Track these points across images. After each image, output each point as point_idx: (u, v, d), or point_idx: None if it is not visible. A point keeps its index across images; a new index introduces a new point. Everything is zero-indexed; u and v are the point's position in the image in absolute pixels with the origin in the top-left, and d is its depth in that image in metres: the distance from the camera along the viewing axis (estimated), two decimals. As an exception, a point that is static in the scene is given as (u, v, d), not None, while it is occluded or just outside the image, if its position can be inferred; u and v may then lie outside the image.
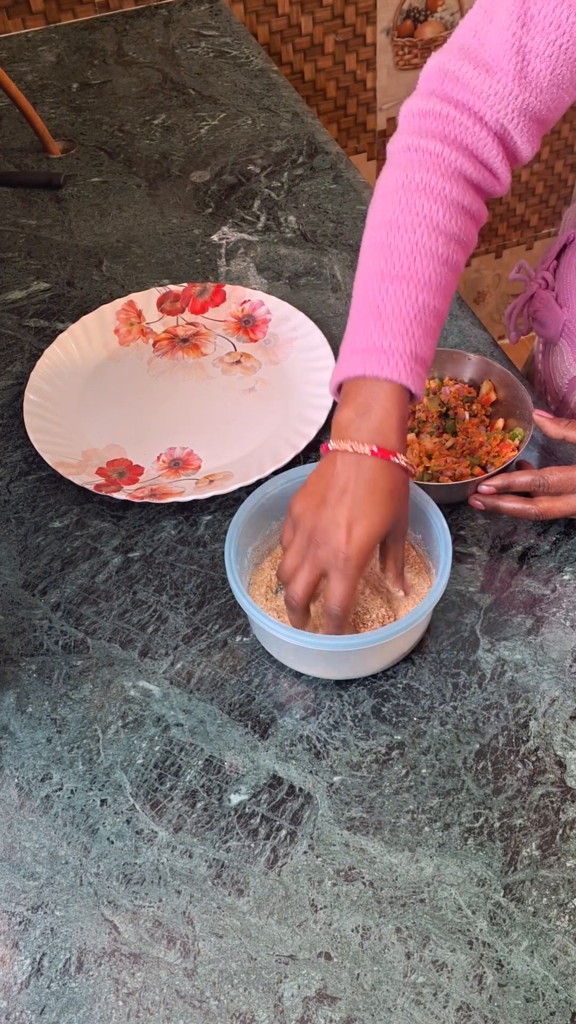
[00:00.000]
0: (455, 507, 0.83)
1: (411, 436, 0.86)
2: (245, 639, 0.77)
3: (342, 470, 0.68)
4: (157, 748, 0.71)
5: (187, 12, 1.45)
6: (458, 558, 0.80)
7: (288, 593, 0.70)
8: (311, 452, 0.89)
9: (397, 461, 0.68)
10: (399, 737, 0.70)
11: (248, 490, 0.83)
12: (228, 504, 0.85)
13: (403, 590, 0.74)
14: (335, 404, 0.88)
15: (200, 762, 0.70)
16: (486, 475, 0.79)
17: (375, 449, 0.68)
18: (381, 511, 0.68)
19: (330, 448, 0.70)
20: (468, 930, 0.62)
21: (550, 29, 0.67)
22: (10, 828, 0.68)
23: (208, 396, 0.95)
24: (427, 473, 0.83)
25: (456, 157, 0.72)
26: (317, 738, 0.71)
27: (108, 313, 1.00)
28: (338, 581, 0.67)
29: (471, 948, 0.61)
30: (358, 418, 0.69)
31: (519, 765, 0.69)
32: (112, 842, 0.67)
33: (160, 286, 1.04)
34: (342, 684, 0.73)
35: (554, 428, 0.80)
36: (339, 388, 0.73)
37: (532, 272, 0.96)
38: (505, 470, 0.80)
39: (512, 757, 0.69)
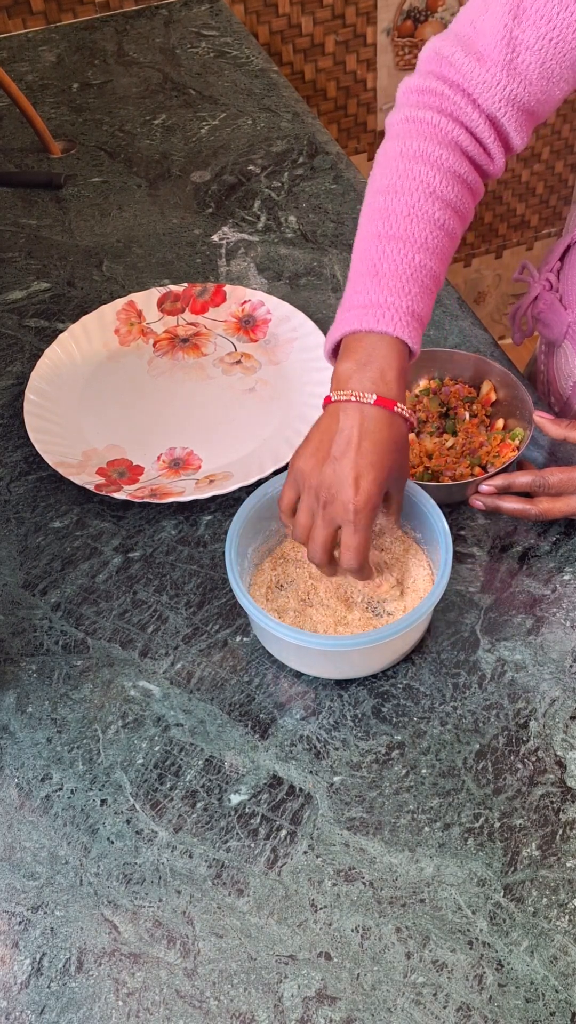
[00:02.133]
0: (455, 507, 0.83)
1: (411, 436, 0.86)
2: (245, 639, 0.77)
3: (345, 422, 0.69)
4: (157, 748, 0.71)
5: (187, 12, 1.45)
6: (458, 558, 0.80)
7: (309, 554, 0.71)
8: (311, 452, 0.89)
9: (398, 410, 0.69)
10: (399, 737, 0.70)
11: (248, 490, 0.83)
12: (228, 504, 0.85)
13: (399, 527, 0.77)
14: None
15: (200, 762, 0.70)
16: (486, 475, 0.79)
17: (378, 398, 0.68)
18: (385, 462, 0.69)
19: (332, 399, 0.70)
20: (468, 930, 0.62)
21: (541, 23, 0.68)
22: (10, 828, 0.68)
23: (208, 396, 0.95)
24: (427, 473, 0.83)
25: (452, 127, 0.74)
26: (317, 738, 0.71)
27: (108, 313, 1.00)
28: (351, 535, 0.68)
29: (471, 948, 0.61)
30: (359, 370, 0.70)
31: (519, 765, 0.69)
32: (112, 842, 0.67)
33: (160, 286, 1.04)
34: (342, 684, 0.73)
35: (555, 429, 0.80)
36: (335, 350, 0.74)
37: (535, 273, 0.96)
38: (505, 470, 0.80)
39: (512, 757, 0.69)
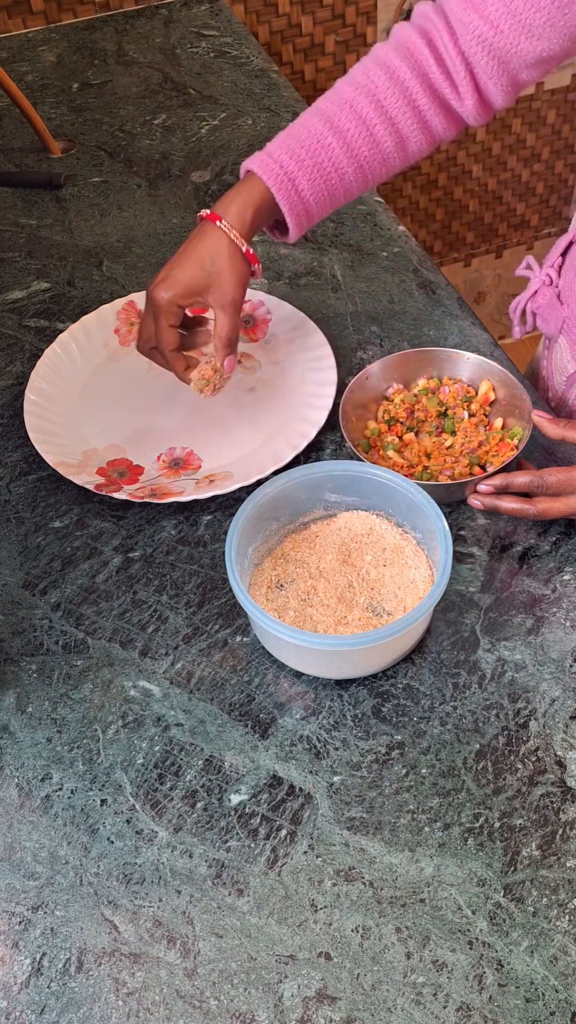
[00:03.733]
0: (455, 507, 0.83)
1: (410, 435, 0.86)
2: (245, 639, 0.77)
3: (193, 232, 0.82)
4: (157, 748, 0.71)
5: (187, 12, 1.45)
6: (458, 558, 0.80)
7: (136, 344, 0.85)
8: (311, 452, 0.89)
9: (220, 225, 0.79)
10: (399, 737, 0.70)
11: (248, 490, 0.83)
12: (228, 504, 0.85)
13: (226, 365, 0.83)
14: (336, 403, 0.88)
15: (200, 762, 0.70)
16: (485, 475, 0.79)
17: (207, 213, 0.80)
18: (192, 266, 0.80)
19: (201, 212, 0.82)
20: (468, 930, 0.62)
21: None
22: (10, 828, 0.68)
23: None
24: (426, 472, 0.83)
25: (427, 54, 0.79)
26: (317, 738, 0.71)
27: (108, 313, 1.00)
28: (152, 319, 0.81)
29: (471, 948, 0.61)
30: (229, 198, 0.81)
31: (519, 765, 0.69)
32: (112, 842, 0.67)
33: (160, 286, 1.04)
34: (342, 684, 0.73)
35: (553, 428, 0.80)
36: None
37: (536, 268, 0.96)
38: (504, 470, 0.80)
39: (512, 757, 0.69)
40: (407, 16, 1.62)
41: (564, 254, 0.94)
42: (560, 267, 0.94)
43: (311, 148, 0.80)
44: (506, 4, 0.73)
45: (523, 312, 0.97)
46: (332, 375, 0.92)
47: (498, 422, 0.87)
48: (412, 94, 0.79)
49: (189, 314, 0.86)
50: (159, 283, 0.80)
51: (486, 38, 0.75)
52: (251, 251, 0.81)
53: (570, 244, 0.93)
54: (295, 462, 0.86)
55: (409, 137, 0.81)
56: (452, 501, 0.82)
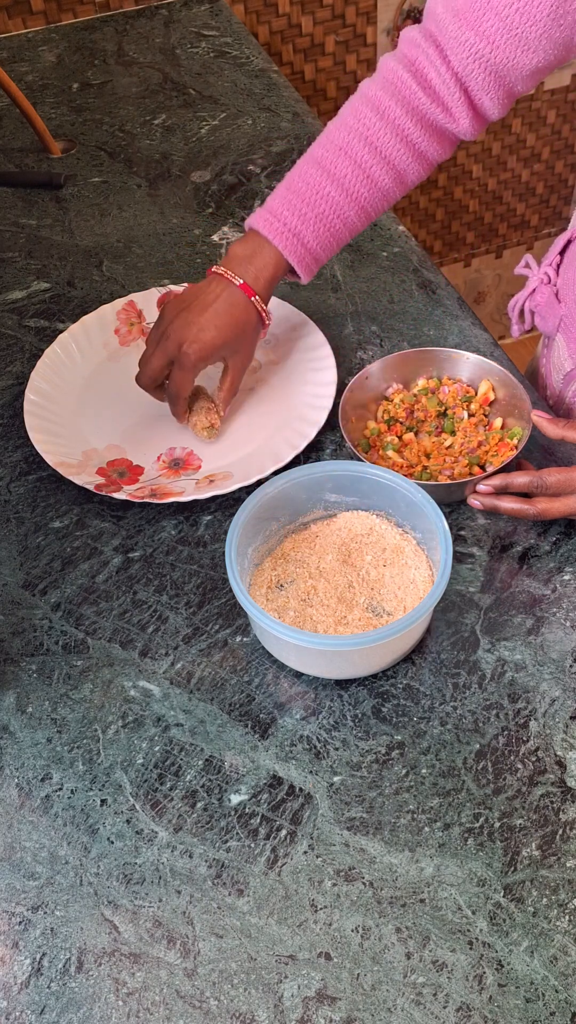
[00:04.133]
0: (455, 507, 0.83)
1: (410, 435, 0.86)
2: (245, 639, 0.77)
3: (213, 290, 0.84)
4: (157, 748, 0.71)
5: (187, 12, 1.45)
6: (458, 558, 0.80)
7: (138, 375, 0.88)
8: (311, 452, 0.89)
9: (255, 303, 0.85)
10: (399, 737, 0.70)
11: (248, 490, 0.83)
12: (228, 504, 0.85)
13: (222, 415, 0.90)
14: (336, 403, 0.88)
15: (200, 762, 0.70)
16: (485, 475, 0.79)
17: (243, 284, 0.84)
18: (225, 332, 0.84)
19: (212, 270, 0.85)
20: (468, 930, 0.62)
21: None
22: (10, 828, 0.68)
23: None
24: (425, 472, 0.83)
25: (415, 87, 0.80)
26: (317, 738, 0.71)
27: (108, 313, 1.00)
28: (177, 371, 0.85)
29: (471, 948, 0.61)
30: (244, 259, 0.84)
31: (519, 765, 0.69)
32: (112, 842, 0.67)
33: (160, 286, 1.04)
34: (342, 684, 0.73)
35: (552, 428, 0.80)
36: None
37: (535, 266, 0.96)
38: (504, 469, 0.80)
39: (512, 757, 0.69)
40: (407, 16, 1.63)
41: (562, 252, 0.94)
42: (559, 265, 0.94)
43: (311, 200, 0.82)
44: (503, 20, 0.73)
45: (521, 311, 0.97)
46: (332, 375, 0.92)
47: (497, 422, 0.87)
48: (404, 130, 0.81)
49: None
50: (192, 343, 0.83)
51: (483, 55, 0.75)
52: (268, 317, 0.88)
53: (568, 242, 0.93)
54: (295, 462, 0.86)
55: (407, 170, 0.84)
56: (452, 501, 0.82)
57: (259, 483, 0.82)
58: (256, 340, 0.89)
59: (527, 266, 0.98)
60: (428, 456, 0.85)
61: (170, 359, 0.85)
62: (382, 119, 0.80)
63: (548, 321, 0.94)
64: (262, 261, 0.84)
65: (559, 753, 0.69)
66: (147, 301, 1.01)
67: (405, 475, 0.81)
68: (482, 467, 0.83)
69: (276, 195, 0.84)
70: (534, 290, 0.95)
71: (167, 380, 0.87)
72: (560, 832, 0.65)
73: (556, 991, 0.59)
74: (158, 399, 0.90)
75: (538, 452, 0.87)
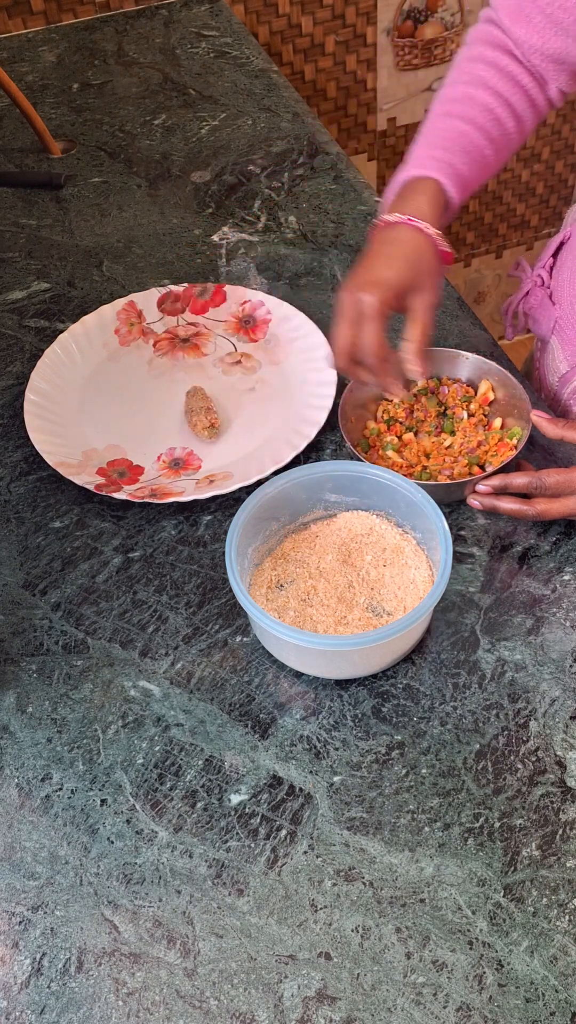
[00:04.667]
0: (455, 507, 0.83)
1: (409, 435, 0.86)
2: (245, 639, 0.77)
3: (377, 237, 0.81)
4: (157, 748, 0.71)
5: (187, 12, 1.45)
6: (458, 558, 0.80)
7: (335, 358, 0.80)
8: (311, 452, 0.89)
9: (423, 228, 0.79)
10: (399, 737, 0.70)
11: (248, 490, 0.83)
12: (228, 504, 0.85)
13: (420, 370, 0.79)
14: (336, 404, 0.88)
15: (200, 762, 0.70)
16: (485, 474, 0.79)
17: (407, 219, 0.79)
18: (398, 266, 0.77)
19: (373, 224, 0.82)
20: (468, 930, 0.62)
21: None
22: (10, 828, 0.68)
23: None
24: (425, 472, 0.83)
25: (505, 54, 0.85)
26: (317, 738, 0.71)
27: (108, 313, 1.00)
28: (365, 322, 0.76)
29: (471, 948, 0.61)
30: (399, 202, 0.81)
31: (519, 765, 0.69)
32: (112, 842, 0.67)
33: (160, 286, 1.04)
34: (342, 684, 0.73)
35: (552, 428, 0.80)
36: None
37: (528, 269, 0.96)
38: (504, 469, 0.80)
39: (512, 757, 0.69)
40: (407, 16, 1.63)
41: (556, 255, 0.94)
42: (551, 268, 0.94)
43: (452, 139, 0.83)
44: (547, 16, 0.80)
45: (515, 313, 0.98)
46: (332, 375, 0.92)
47: (497, 422, 0.87)
48: (517, 76, 0.85)
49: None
50: (363, 285, 0.75)
51: (538, 48, 0.82)
52: (448, 250, 0.81)
53: (561, 244, 0.93)
54: (295, 462, 0.86)
55: (523, 116, 0.87)
56: (452, 501, 0.82)
57: (259, 483, 0.82)
58: (440, 274, 0.81)
59: (519, 267, 0.98)
60: (428, 456, 0.85)
61: (355, 321, 0.76)
62: (495, 68, 0.84)
63: (542, 324, 0.94)
64: (428, 198, 0.80)
65: (559, 753, 0.69)
66: (147, 301, 1.01)
67: (405, 475, 0.81)
68: (482, 467, 0.83)
69: (414, 150, 0.84)
70: (527, 292, 0.95)
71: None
72: (560, 832, 0.65)
73: (556, 991, 0.59)
74: (363, 379, 0.80)
75: (538, 452, 0.87)
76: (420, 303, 0.78)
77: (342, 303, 0.77)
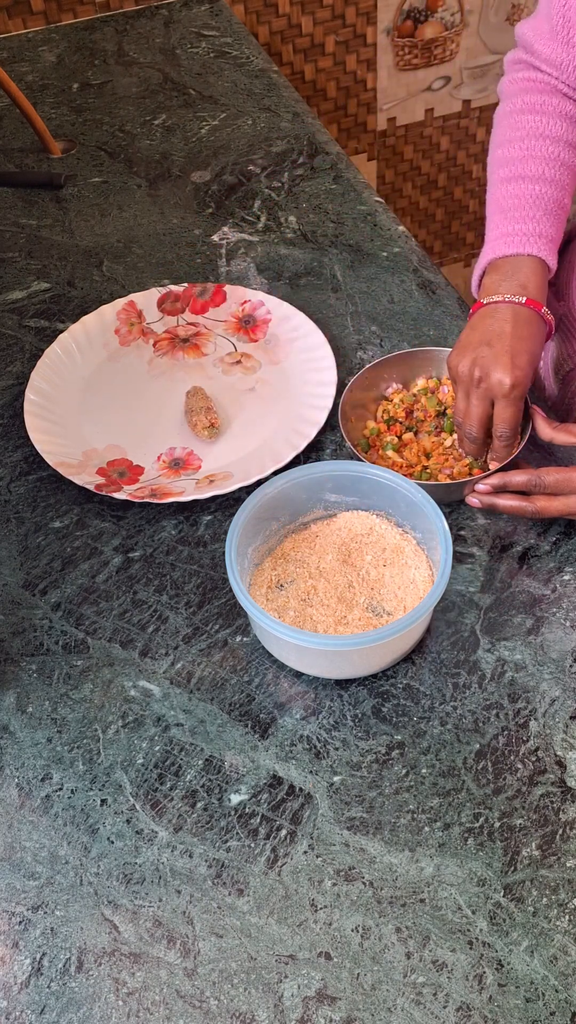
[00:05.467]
0: (455, 507, 0.83)
1: (409, 435, 0.86)
2: (245, 639, 0.77)
3: (497, 317, 0.79)
4: (157, 748, 0.71)
5: (187, 12, 1.45)
6: (458, 558, 0.80)
7: (464, 431, 0.80)
8: (311, 452, 0.89)
9: (543, 313, 0.79)
10: (399, 737, 0.70)
11: (248, 490, 0.83)
12: (228, 504, 0.85)
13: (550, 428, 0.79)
14: (335, 401, 0.88)
15: (200, 762, 0.70)
16: (484, 474, 0.79)
17: (527, 300, 0.79)
18: (535, 349, 0.78)
19: (483, 302, 0.80)
20: (468, 930, 0.62)
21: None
22: (10, 828, 0.68)
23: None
24: (425, 472, 0.83)
25: (555, 83, 0.86)
26: (317, 738, 0.71)
27: (108, 313, 1.00)
28: (505, 407, 0.77)
29: (471, 948, 0.61)
30: (505, 280, 0.80)
31: (519, 765, 0.69)
32: (112, 842, 0.67)
33: (160, 286, 1.04)
34: (342, 684, 0.73)
35: (545, 429, 0.80)
36: (479, 284, 0.85)
37: None
38: (503, 469, 0.80)
39: (512, 757, 0.69)
40: (407, 16, 1.63)
41: (562, 251, 0.94)
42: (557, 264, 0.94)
43: (531, 204, 0.83)
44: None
45: None
46: (332, 375, 0.92)
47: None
48: (566, 111, 0.86)
49: None
50: (512, 371, 0.76)
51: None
52: (551, 322, 0.81)
53: (568, 241, 0.93)
54: (295, 462, 0.86)
55: None
56: (451, 501, 0.82)
57: (259, 483, 0.82)
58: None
59: None
60: (427, 456, 0.85)
61: (490, 400, 0.78)
62: (542, 113, 0.85)
63: None
64: (524, 274, 0.80)
65: (559, 753, 0.69)
66: (147, 301, 1.01)
67: (405, 475, 0.81)
68: (481, 467, 0.83)
69: (494, 225, 0.83)
70: None
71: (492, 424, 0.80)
72: (560, 832, 0.65)
73: (556, 991, 0.59)
74: (478, 453, 0.82)
75: (538, 452, 0.87)
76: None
77: (475, 374, 0.78)
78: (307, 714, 0.72)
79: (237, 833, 0.67)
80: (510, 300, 0.79)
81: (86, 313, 1.00)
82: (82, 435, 0.91)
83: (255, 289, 1.04)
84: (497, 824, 0.66)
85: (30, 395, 0.92)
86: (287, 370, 0.96)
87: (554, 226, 0.83)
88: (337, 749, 0.70)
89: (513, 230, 0.82)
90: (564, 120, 0.85)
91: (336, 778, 0.69)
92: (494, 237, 0.83)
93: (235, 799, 0.68)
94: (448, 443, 0.86)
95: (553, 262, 0.82)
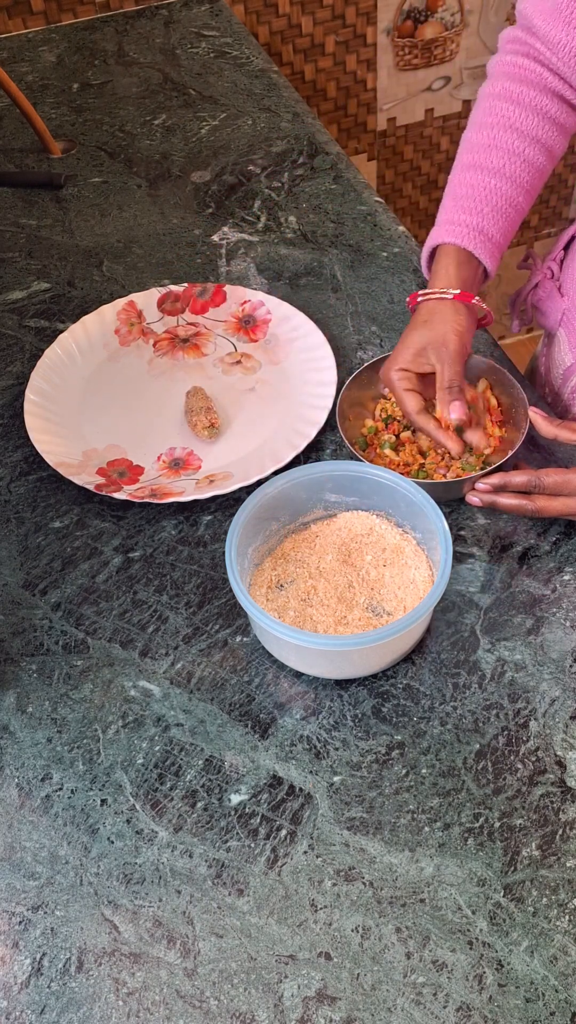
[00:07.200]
0: (455, 507, 0.83)
1: (407, 434, 0.87)
2: (245, 639, 0.77)
3: (412, 317, 0.86)
4: (157, 748, 0.71)
5: (187, 12, 1.45)
6: (458, 558, 0.80)
7: (425, 430, 0.82)
8: (311, 452, 0.89)
9: (427, 293, 0.84)
10: (399, 737, 0.70)
11: (248, 490, 0.83)
12: (228, 504, 0.85)
13: (456, 412, 0.80)
14: (334, 405, 0.88)
15: (200, 762, 0.70)
16: (483, 472, 0.79)
17: (435, 296, 0.84)
18: (405, 339, 0.83)
19: (412, 297, 0.87)
20: (468, 930, 0.62)
21: None
22: (10, 828, 0.68)
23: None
24: (422, 471, 0.83)
25: (539, 69, 0.84)
26: (317, 738, 0.71)
27: (108, 313, 1.00)
28: (442, 370, 0.82)
29: (471, 948, 0.61)
30: (432, 278, 0.86)
31: (519, 765, 0.69)
32: (112, 842, 0.67)
33: (160, 286, 1.04)
34: (342, 684, 0.73)
35: (547, 427, 0.80)
36: (429, 261, 0.90)
37: (538, 261, 0.97)
38: (502, 467, 0.80)
39: (512, 757, 0.69)
40: (407, 16, 1.63)
41: (567, 247, 0.94)
42: (562, 260, 0.94)
43: (481, 198, 0.85)
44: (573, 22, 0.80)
45: (522, 306, 0.98)
46: (332, 375, 0.92)
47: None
48: (543, 107, 0.85)
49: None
50: (386, 363, 0.84)
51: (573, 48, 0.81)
52: (464, 294, 0.84)
53: (573, 238, 0.93)
54: (295, 462, 0.86)
55: (553, 145, 0.87)
56: (449, 499, 0.82)
57: (259, 483, 0.82)
58: (452, 327, 0.83)
59: (529, 260, 0.98)
60: (425, 455, 0.85)
61: (392, 392, 0.84)
62: (518, 104, 0.84)
63: (549, 316, 0.94)
64: (448, 261, 0.85)
65: (559, 753, 0.69)
66: (147, 301, 1.01)
67: (402, 473, 0.81)
68: (482, 465, 0.83)
69: (445, 208, 0.86)
70: (537, 284, 0.96)
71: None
72: (560, 832, 0.65)
73: (556, 991, 0.59)
74: (461, 446, 0.81)
75: (538, 453, 0.87)
76: (435, 356, 0.82)
77: (388, 385, 0.84)
78: (307, 714, 0.72)
79: (237, 833, 0.67)
80: (419, 299, 0.85)
81: (86, 313, 1.00)
82: (82, 435, 0.91)
83: (255, 289, 1.04)
84: (497, 824, 0.66)
85: (30, 395, 0.92)
86: (287, 370, 0.96)
87: (501, 225, 0.85)
88: (337, 749, 0.70)
89: (464, 221, 0.85)
90: (538, 115, 0.85)
91: (336, 778, 0.69)
92: (446, 218, 0.86)
93: (235, 799, 0.68)
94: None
95: (488, 260, 0.85)
